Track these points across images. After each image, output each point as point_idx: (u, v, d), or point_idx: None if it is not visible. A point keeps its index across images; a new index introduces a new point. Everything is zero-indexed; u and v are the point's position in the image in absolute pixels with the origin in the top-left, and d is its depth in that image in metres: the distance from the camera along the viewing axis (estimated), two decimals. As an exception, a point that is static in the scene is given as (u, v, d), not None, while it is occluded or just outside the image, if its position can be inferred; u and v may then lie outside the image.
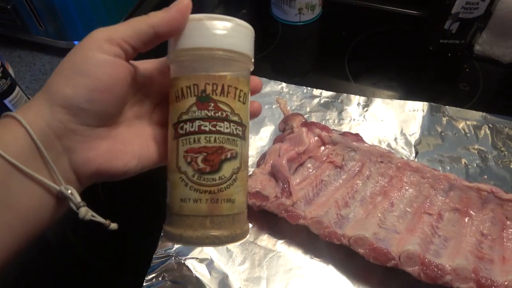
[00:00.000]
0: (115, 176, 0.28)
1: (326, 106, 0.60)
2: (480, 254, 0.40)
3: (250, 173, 0.48)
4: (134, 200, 0.51)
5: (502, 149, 0.54)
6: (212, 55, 0.26)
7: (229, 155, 0.27)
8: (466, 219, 0.43)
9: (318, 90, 0.61)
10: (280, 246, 0.45)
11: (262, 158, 0.50)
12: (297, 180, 0.47)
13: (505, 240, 0.41)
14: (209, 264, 0.43)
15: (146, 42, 0.26)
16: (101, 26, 0.26)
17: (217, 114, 0.26)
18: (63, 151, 0.25)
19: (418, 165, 0.46)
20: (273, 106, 0.59)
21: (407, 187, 0.45)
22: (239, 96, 0.27)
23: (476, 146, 0.54)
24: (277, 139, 0.51)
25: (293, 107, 0.59)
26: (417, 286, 0.39)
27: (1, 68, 0.51)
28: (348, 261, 0.43)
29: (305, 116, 0.54)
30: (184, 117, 0.26)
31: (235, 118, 0.27)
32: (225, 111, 0.26)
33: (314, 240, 0.44)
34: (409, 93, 0.63)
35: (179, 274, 0.42)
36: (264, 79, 0.62)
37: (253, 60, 0.29)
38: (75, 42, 0.66)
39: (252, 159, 0.53)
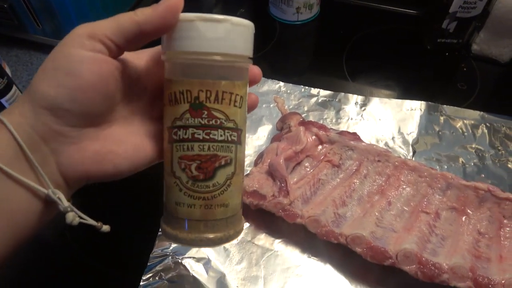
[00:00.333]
0: (105, 178, 0.27)
1: (323, 105, 0.60)
2: (477, 253, 0.40)
3: (248, 172, 0.48)
4: (131, 199, 0.51)
5: (499, 148, 0.54)
6: (207, 61, 0.25)
7: (223, 162, 0.26)
8: (463, 218, 0.43)
9: (316, 89, 0.61)
10: (278, 245, 0.45)
11: (260, 157, 0.50)
12: (295, 179, 0.47)
13: (502, 238, 0.41)
14: (206, 263, 0.43)
15: (130, 41, 0.25)
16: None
17: (210, 122, 0.25)
18: (50, 154, 0.25)
19: (416, 164, 0.46)
20: (271, 105, 0.59)
21: (404, 186, 0.45)
22: (235, 101, 0.26)
23: (473, 145, 0.54)
24: (275, 138, 0.51)
25: (291, 106, 0.59)
26: (414, 285, 0.40)
27: (-2, 67, 0.51)
28: (346, 260, 0.43)
29: (303, 115, 0.54)
30: (178, 123, 0.26)
31: (230, 125, 0.26)
32: (219, 119, 0.26)
33: (311, 239, 0.44)
34: (407, 92, 0.63)
35: (176, 274, 0.42)
36: (262, 78, 0.62)
37: (252, 56, 0.27)
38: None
39: (249, 158, 0.53)
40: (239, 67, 0.27)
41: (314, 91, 0.61)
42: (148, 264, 0.43)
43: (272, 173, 0.46)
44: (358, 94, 0.60)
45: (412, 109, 0.58)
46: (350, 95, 0.60)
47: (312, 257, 0.44)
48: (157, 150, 0.28)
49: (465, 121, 0.57)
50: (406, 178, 0.46)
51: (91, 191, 0.51)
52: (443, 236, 0.42)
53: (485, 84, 0.64)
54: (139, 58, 0.29)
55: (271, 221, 0.46)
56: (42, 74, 0.24)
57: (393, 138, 0.56)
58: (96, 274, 0.45)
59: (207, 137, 0.25)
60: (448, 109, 0.58)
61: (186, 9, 0.25)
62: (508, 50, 0.65)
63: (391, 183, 0.46)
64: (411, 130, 0.56)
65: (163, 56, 0.27)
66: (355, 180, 0.46)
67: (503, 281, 0.36)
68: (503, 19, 0.61)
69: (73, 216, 0.25)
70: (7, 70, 0.58)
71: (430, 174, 0.45)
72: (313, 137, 0.49)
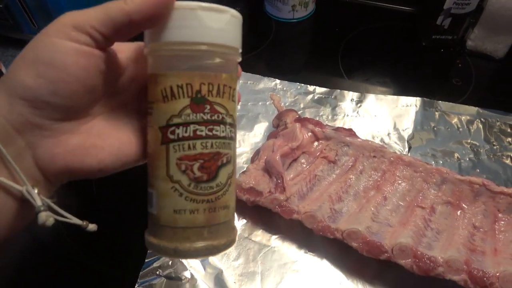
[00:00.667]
0: (90, 174, 0.25)
1: (319, 102, 0.60)
2: (472, 246, 0.40)
3: (244, 169, 0.48)
4: (128, 196, 0.51)
5: (494, 143, 0.54)
6: (210, 52, 0.24)
7: (225, 160, 0.25)
8: (458, 212, 0.43)
9: (312, 86, 0.61)
10: (274, 241, 0.45)
11: (256, 154, 0.50)
12: (291, 175, 0.47)
13: (497, 232, 0.42)
14: (204, 259, 0.43)
15: (119, 31, 0.23)
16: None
17: (213, 117, 0.24)
18: (26, 148, 0.23)
19: (411, 159, 0.46)
20: (267, 103, 0.59)
21: (400, 181, 0.46)
22: (233, 96, 0.25)
23: (468, 140, 0.55)
24: (271, 135, 0.52)
25: (287, 104, 0.60)
26: (410, 278, 0.40)
27: (-6, 67, 0.51)
28: (342, 255, 0.43)
29: (299, 112, 0.54)
30: (176, 120, 0.24)
31: (230, 120, 0.25)
32: (221, 113, 0.24)
33: (308, 234, 0.44)
34: (402, 89, 0.64)
35: (174, 270, 0.42)
36: (258, 76, 0.62)
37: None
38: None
39: (246, 155, 0.53)
40: (235, 60, 0.26)
41: (310, 88, 0.61)
42: (146, 261, 0.43)
43: (268, 170, 0.47)
44: (354, 91, 0.61)
45: (407, 105, 0.59)
46: (346, 92, 0.61)
47: (309, 252, 0.45)
48: (143, 149, 0.27)
49: (460, 117, 0.57)
50: (402, 173, 0.46)
51: (89, 190, 0.51)
52: (438, 230, 0.42)
53: (480, 80, 0.65)
54: (126, 49, 0.27)
55: (268, 218, 0.46)
56: (21, 63, 0.22)
57: (388, 134, 0.56)
58: (93, 272, 0.45)
59: (210, 133, 0.24)
60: (443, 105, 0.58)
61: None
62: (503, 46, 0.65)
63: (386, 178, 0.46)
64: (407, 126, 0.57)
65: (148, 49, 0.25)
66: (351, 176, 0.47)
67: (497, 274, 0.37)
68: (497, 15, 0.61)
69: (47, 216, 0.22)
70: (3, 70, 0.58)
71: (426, 169, 0.45)
72: (309, 133, 0.49)
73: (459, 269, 0.37)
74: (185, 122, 0.24)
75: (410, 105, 0.59)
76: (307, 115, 0.58)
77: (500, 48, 0.66)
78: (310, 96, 0.60)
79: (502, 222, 0.42)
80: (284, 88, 0.61)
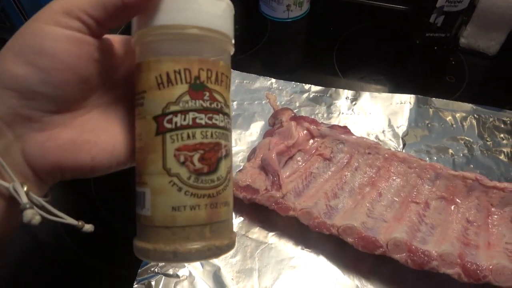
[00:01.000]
0: (82, 172, 0.23)
1: (315, 100, 0.60)
2: (466, 240, 0.41)
3: (241, 167, 0.49)
4: (127, 195, 0.51)
5: (487, 139, 0.55)
6: (210, 37, 0.23)
7: (224, 152, 0.23)
8: (452, 207, 0.44)
9: (307, 85, 0.62)
10: (271, 238, 0.46)
11: (253, 152, 0.50)
12: (287, 173, 0.48)
13: (490, 226, 0.42)
14: (202, 257, 0.44)
15: (112, 16, 0.22)
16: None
17: (212, 105, 0.23)
18: (15, 141, 0.21)
19: (405, 155, 0.47)
20: (263, 102, 0.60)
21: (394, 177, 0.46)
22: (229, 86, 0.24)
23: (462, 137, 0.55)
24: (267, 133, 0.52)
25: (283, 102, 0.60)
26: (405, 273, 0.40)
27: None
28: (338, 250, 0.44)
29: (295, 111, 0.55)
30: (173, 108, 0.22)
31: (227, 110, 0.24)
32: (219, 102, 0.23)
33: (304, 231, 0.44)
34: (397, 86, 0.64)
35: (172, 267, 0.43)
36: (253, 75, 0.63)
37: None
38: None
39: (243, 154, 0.54)
40: (230, 51, 0.25)
41: (305, 87, 0.62)
42: (144, 259, 0.43)
43: (264, 168, 0.47)
44: (348, 89, 0.61)
45: (401, 103, 0.59)
46: (341, 90, 0.61)
47: (306, 249, 0.45)
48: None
49: (454, 113, 0.58)
50: (396, 170, 0.47)
51: (88, 188, 0.52)
52: (432, 225, 0.42)
53: (473, 77, 0.66)
54: (125, 41, 0.26)
55: (265, 215, 0.47)
56: (9, 52, 0.21)
57: (383, 131, 0.57)
58: (92, 270, 0.46)
59: (210, 122, 0.23)
60: (437, 102, 0.59)
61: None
62: (495, 43, 0.66)
63: (381, 174, 0.47)
64: (401, 123, 0.57)
65: (137, 35, 0.23)
66: (346, 173, 0.47)
67: (490, 267, 0.37)
68: (489, 12, 0.62)
69: (33, 214, 0.21)
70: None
71: (420, 165, 0.46)
72: (305, 131, 0.50)
73: (453, 262, 0.38)
74: (184, 110, 0.22)
75: (404, 102, 0.59)
76: (303, 114, 0.58)
77: (493, 45, 0.66)
78: (305, 95, 0.61)
79: (495, 216, 0.43)
80: (280, 87, 0.62)
